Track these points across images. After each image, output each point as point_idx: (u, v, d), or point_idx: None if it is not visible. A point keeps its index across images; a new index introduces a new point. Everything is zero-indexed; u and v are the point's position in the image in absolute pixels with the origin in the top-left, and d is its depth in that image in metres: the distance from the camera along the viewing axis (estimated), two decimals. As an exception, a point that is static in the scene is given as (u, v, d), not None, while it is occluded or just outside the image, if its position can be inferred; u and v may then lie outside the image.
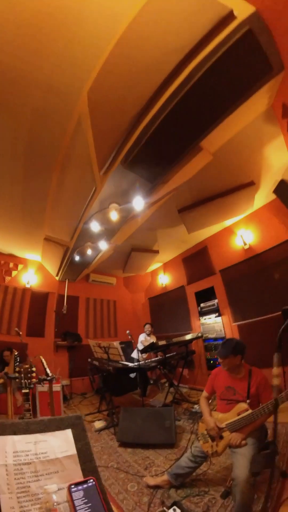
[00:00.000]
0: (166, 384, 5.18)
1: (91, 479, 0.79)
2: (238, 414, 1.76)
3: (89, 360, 4.50)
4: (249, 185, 3.81)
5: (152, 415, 2.82)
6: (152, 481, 2.02)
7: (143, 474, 2.19)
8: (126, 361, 3.95)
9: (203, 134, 2.44)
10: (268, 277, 4.30)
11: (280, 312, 3.74)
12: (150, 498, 1.86)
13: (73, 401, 4.67)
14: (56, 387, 3.65)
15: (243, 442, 1.67)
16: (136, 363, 3.86)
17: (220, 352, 1.97)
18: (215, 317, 4.98)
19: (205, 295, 5.31)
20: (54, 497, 0.69)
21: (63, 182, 3.25)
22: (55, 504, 0.68)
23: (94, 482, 0.78)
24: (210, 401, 2.16)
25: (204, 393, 2.16)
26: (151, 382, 5.48)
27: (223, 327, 4.80)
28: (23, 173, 3.13)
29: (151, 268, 6.98)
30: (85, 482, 0.78)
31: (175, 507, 1.68)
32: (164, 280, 6.63)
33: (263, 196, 4.16)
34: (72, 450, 0.86)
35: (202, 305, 5.33)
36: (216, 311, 5.00)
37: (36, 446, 0.82)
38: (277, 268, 4.18)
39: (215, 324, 4.97)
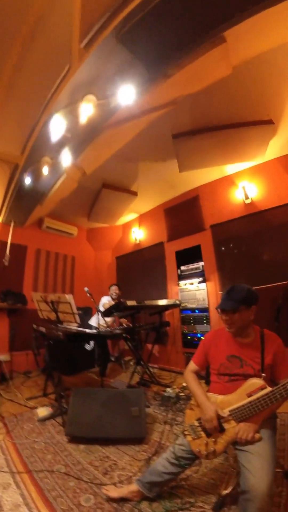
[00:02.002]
0: (132, 363, 4.89)
1: None
2: (249, 395, 1.37)
3: (34, 326, 3.82)
4: (266, 123, 3.43)
5: (114, 399, 2.42)
6: (115, 493, 1.58)
7: (102, 481, 1.74)
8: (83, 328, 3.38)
9: (231, 20, 2.06)
10: (270, 240, 4.01)
11: (279, 283, 3.60)
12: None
13: (14, 381, 4.09)
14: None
15: (257, 435, 1.30)
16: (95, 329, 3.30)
17: (225, 304, 1.52)
18: (198, 283, 4.55)
19: (188, 255, 4.84)
20: None
21: (24, 59, 2.46)
22: None
23: None
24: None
25: (192, 366, 1.71)
26: (113, 359, 5.12)
27: (207, 295, 4.42)
28: None
29: (124, 220, 6.35)
30: None
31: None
32: (139, 235, 6.05)
33: (277, 146, 3.87)
34: None
35: (182, 267, 4.87)
36: (201, 275, 4.56)
37: None
38: (283, 231, 3.89)
39: (197, 291, 4.55)
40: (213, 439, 1.39)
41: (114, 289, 4.56)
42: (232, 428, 1.35)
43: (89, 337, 3.57)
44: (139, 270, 5.85)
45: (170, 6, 2.01)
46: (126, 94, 2.58)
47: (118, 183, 4.75)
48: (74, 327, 3.07)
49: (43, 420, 2.68)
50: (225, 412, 1.39)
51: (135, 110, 2.96)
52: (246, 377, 1.42)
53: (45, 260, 5.73)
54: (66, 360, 4.13)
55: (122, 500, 1.54)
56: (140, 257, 5.93)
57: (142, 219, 6.10)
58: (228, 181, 4.61)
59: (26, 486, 1.64)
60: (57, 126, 2.90)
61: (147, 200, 5.45)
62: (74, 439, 2.28)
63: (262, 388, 1.34)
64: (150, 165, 4.27)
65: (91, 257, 6.78)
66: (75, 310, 2.65)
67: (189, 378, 1.64)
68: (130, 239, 6.25)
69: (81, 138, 3.23)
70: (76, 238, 6.32)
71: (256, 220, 4.16)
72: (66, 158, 3.28)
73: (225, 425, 1.37)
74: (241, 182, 4.41)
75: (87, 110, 2.78)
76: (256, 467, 1.19)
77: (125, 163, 4.13)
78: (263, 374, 1.39)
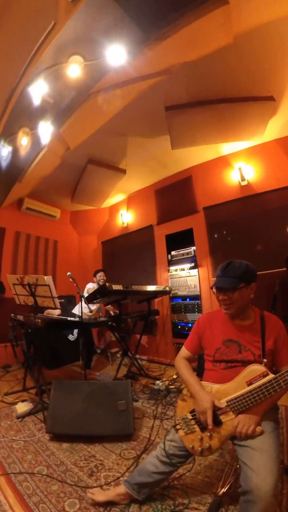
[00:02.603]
0: (119, 354, 4.83)
1: None
2: (249, 383, 1.26)
3: (12, 315, 3.64)
4: (266, 100, 3.31)
5: (99, 393, 2.31)
6: (101, 496, 1.48)
7: (88, 484, 1.63)
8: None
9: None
10: (266, 224, 3.95)
11: (276, 270, 3.56)
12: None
13: (-9, 376, 3.93)
14: None
15: (258, 428, 1.19)
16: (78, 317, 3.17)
17: (223, 282, 1.39)
18: (190, 268, 4.47)
19: (179, 239, 4.74)
20: None
21: (3, 13, 2.25)
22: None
23: None
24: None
25: (184, 352, 1.59)
26: (98, 351, 5.04)
27: (199, 282, 4.35)
28: None
29: (111, 202, 6.13)
30: None
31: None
32: (127, 218, 5.87)
33: (277, 126, 3.80)
34: None
35: (173, 252, 4.76)
36: (192, 261, 4.48)
37: None
38: (280, 215, 3.83)
39: (188, 277, 4.47)
40: (208, 434, 1.28)
41: (101, 275, 4.39)
42: (230, 421, 1.25)
43: (71, 325, 3.42)
44: (127, 256, 5.71)
45: None
46: (116, 56, 2.44)
47: (105, 160, 4.52)
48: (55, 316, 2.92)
49: (23, 416, 2.55)
50: (222, 403, 1.28)
51: (126, 76, 2.78)
52: (245, 363, 1.31)
53: (24, 244, 5.47)
54: (48, 352, 3.98)
55: (109, 504, 1.44)
56: (127, 242, 5.78)
57: (131, 200, 5.91)
58: (224, 161, 4.50)
59: (2, 490, 1.51)
60: (39, 91, 2.72)
61: (136, 179, 5.27)
62: (57, 437, 2.17)
63: (264, 375, 1.23)
64: (140, 141, 4.07)
65: (75, 241, 6.58)
66: (54, 294, 2.48)
67: (181, 365, 1.52)
68: (117, 223, 6.07)
69: (65, 105, 3.01)
70: (58, 221, 6.10)
71: (252, 203, 4.08)
72: (48, 128, 3.05)
73: (222, 418, 1.26)
74: (237, 163, 4.31)
75: (72, 72, 2.63)
76: (259, 465, 1.09)
77: (113, 137, 3.92)
78: (264, 360, 1.29)
